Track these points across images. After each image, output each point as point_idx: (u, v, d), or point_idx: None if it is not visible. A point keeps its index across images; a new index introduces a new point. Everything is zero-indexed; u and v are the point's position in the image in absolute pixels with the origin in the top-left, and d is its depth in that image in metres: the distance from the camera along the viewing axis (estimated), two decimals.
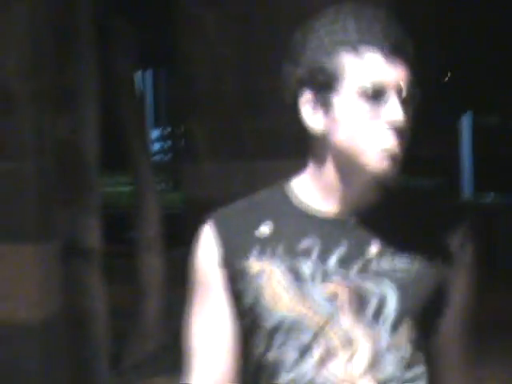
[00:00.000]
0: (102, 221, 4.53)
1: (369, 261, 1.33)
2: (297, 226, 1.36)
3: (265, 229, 1.37)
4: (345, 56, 1.29)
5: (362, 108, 1.29)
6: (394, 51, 1.30)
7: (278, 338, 1.34)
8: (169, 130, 16.16)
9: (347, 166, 1.31)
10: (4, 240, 3.37)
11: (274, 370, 1.34)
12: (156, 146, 15.45)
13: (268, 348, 1.34)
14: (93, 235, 4.39)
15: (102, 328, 4.42)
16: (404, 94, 1.30)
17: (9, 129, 3.26)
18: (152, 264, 5.28)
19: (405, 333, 1.35)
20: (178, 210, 6.68)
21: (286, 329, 1.34)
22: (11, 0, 3.35)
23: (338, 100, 1.28)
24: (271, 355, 1.34)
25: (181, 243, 5.37)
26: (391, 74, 1.31)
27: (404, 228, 1.36)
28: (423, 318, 1.36)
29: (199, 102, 5.33)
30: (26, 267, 3.40)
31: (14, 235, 3.37)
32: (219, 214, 1.40)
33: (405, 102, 1.31)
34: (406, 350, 1.34)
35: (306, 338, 1.32)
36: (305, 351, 1.33)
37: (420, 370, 1.36)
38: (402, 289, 1.33)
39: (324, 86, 1.30)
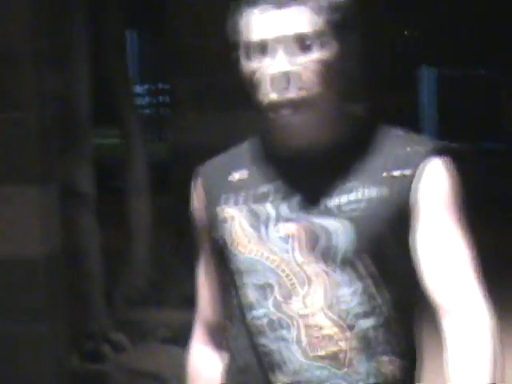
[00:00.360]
0: (94, 169, 4.83)
1: (328, 195, 1.34)
2: (264, 171, 1.40)
3: (237, 176, 1.41)
4: (242, 16, 1.34)
5: (247, 63, 1.35)
6: (287, 4, 1.31)
7: (242, 279, 1.38)
8: (155, 86, 16.47)
9: None
10: (10, 183, 3.59)
11: (242, 310, 1.38)
12: (142, 101, 15.73)
13: (236, 289, 1.39)
14: (86, 181, 4.67)
15: (97, 265, 4.73)
16: (307, 41, 1.31)
17: (14, 83, 3.55)
18: (140, 209, 5.53)
19: (360, 267, 1.32)
20: (163, 159, 6.96)
21: (247, 270, 1.37)
22: None
23: (241, 57, 1.36)
24: (239, 296, 1.39)
25: (166, 190, 5.63)
26: (276, 28, 1.31)
27: (362, 160, 1.36)
28: (383, 250, 1.33)
29: (183, 58, 5.55)
30: (30, 208, 3.58)
31: (19, 178, 3.59)
32: (204, 166, 1.47)
33: (309, 48, 1.31)
34: (362, 284, 1.31)
35: (266, 277, 1.35)
36: (266, 290, 1.35)
37: (378, 303, 1.33)
38: (356, 225, 1.32)
39: (235, 45, 1.38)
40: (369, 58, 1.42)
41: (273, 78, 1.31)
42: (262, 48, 1.32)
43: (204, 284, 1.50)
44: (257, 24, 1.31)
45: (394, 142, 1.37)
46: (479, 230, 1.51)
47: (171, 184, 5.47)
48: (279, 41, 1.31)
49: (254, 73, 1.34)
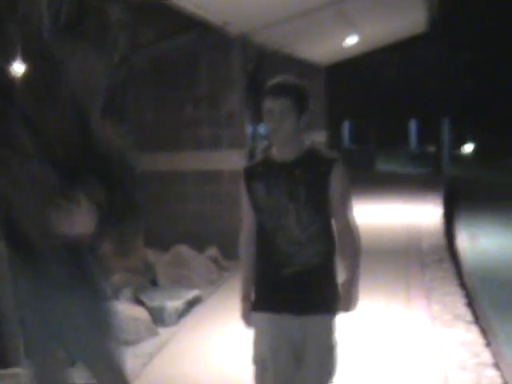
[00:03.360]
0: None
1: (295, 177, 3.16)
2: (270, 168, 3.23)
3: (260, 169, 3.27)
4: (263, 99, 3.20)
5: (265, 120, 3.20)
6: (278, 92, 3.16)
7: (264, 213, 3.23)
8: None
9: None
10: None
11: (263, 226, 3.24)
12: None
13: (261, 218, 3.24)
14: None
15: None
16: (285, 111, 3.14)
17: None
18: None
19: (311, 206, 3.16)
20: None
21: (266, 209, 3.22)
22: None
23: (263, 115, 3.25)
24: (263, 221, 3.23)
25: None
26: (274, 103, 3.16)
27: (309, 163, 3.19)
28: (319, 199, 3.17)
29: None
30: None
31: None
32: (247, 166, 3.39)
33: (285, 114, 3.15)
34: (311, 214, 3.16)
35: (274, 212, 3.19)
36: (273, 216, 3.19)
37: (321, 225, 3.20)
38: (308, 189, 3.16)
39: (259, 112, 3.28)
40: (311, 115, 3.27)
41: (272, 129, 3.21)
42: (269, 112, 3.19)
43: (248, 213, 3.31)
44: (266, 100, 3.21)
45: (322, 154, 3.28)
46: None
47: None
48: (278, 109, 3.17)
49: (268, 124, 3.20)
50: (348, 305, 3.20)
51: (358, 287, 3.23)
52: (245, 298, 3.31)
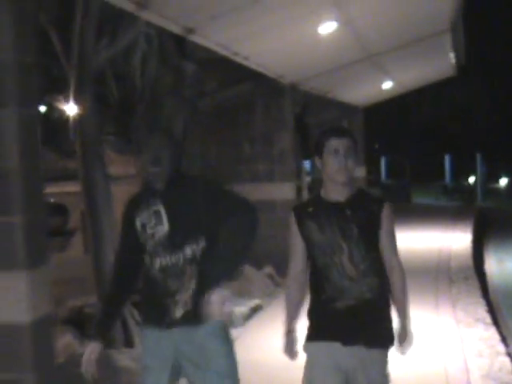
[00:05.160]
0: None
1: (347, 216, 3.28)
2: (321, 207, 3.31)
3: (310, 209, 3.33)
4: (325, 139, 3.30)
5: (329, 158, 3.29)
6: (342, 133, 3.33)
7: (317, 250, 3.27)
8: None
9: (330, 181, 3.31)
10: None
11: (316, 261, 3.28)
12: None
13: (314, 254, 3.29)
14: None
15: None
16: (349, 151, 3.28)
17: None
18: None
19: (363, 244, 3.25)
20: None
21: (319, 246, 3.27)
22: None
23: (324, 156, 3.32)
24: (316, 257, 3.28)
25: None
26: (340, 143, 3.28)
27: (360, 202, 3.30)
28: (370, 236, 3.27)
29: None
30: None
31: None
32: (295, 205, 3.48)
33: (349, 153, 3.27)
34: (362, 251, 3.25)
35: (327, 249, 3.26)
36: (326, 253, 3.25)
37: (373, 261, 3.25)
38: (360, 227, 3.27)
39: (319, 151, 3.32)
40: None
41: (339, 168, 3.29)
42: (335, 152, 3.28)
43: (297, 250, 3.37)
44: (332, 143, 3.30)
45: (372, 194, 3.44)
46: None
47: None
48: (343, 149, 3.28)
49: (330, 163, 3.31)
50: (405, 343, 3.29)
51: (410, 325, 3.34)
52: (288, 333, 3.37)
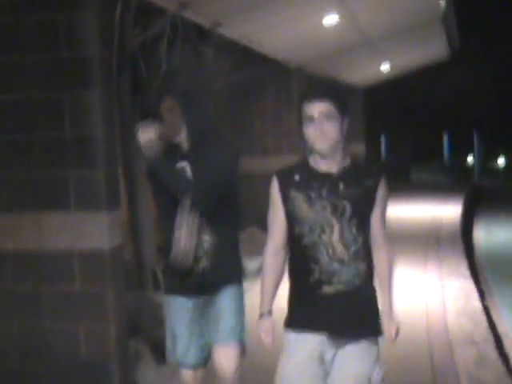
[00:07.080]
0: None
1: (339, 191, 2.86)
2: (309, 177, 2.88)
3: (297, 177, 2.90)
4: (301, 103, 2.85)
5: (306, 126, 2.84)
6: (317, 107, 2.77)
7: (303, 227, 2.87)
8: None
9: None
10: None
11: (301, 239, 2.88)
12: None
13: (299, 231, 2.88)
14: None
15: None
16: (328, 117, 2.78)
17: None
18: None
19: (355, 223, 2.86)
20: None
21: (305, 222, 2.86)
22: None
23: (303, 123, 2.86)
24: (301, 234, 2.87)
25: None
26: (315, 108, 2.78)
27: (354, 176, 2.89)
28: (363, 216, 2.90)
29: None
30: None
31: None
32: (279, 169, 2.97)
33: (328, 119, 2.77)
34: (354, 231, 2.87)
35: (315, 226, 2.86)
36: (315, 230, 2.86)
37: (363, 243, 2.89)
38: (353, 205, 2.86)
39: (299, 118, 2.87)
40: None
41: (317, 134, 2.83)
42: (310, 118, 2.82)
43: (278, 222, 2.95)
44: (308, 106, 2.83)
45: (367, 167, 3.11)
46: None
47: None
48: (320, 115, 2.81)
49: (307, 131, 2.86)
50: (392, 331, 3.01)
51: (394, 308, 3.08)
52: (267, 314, 3.03)
